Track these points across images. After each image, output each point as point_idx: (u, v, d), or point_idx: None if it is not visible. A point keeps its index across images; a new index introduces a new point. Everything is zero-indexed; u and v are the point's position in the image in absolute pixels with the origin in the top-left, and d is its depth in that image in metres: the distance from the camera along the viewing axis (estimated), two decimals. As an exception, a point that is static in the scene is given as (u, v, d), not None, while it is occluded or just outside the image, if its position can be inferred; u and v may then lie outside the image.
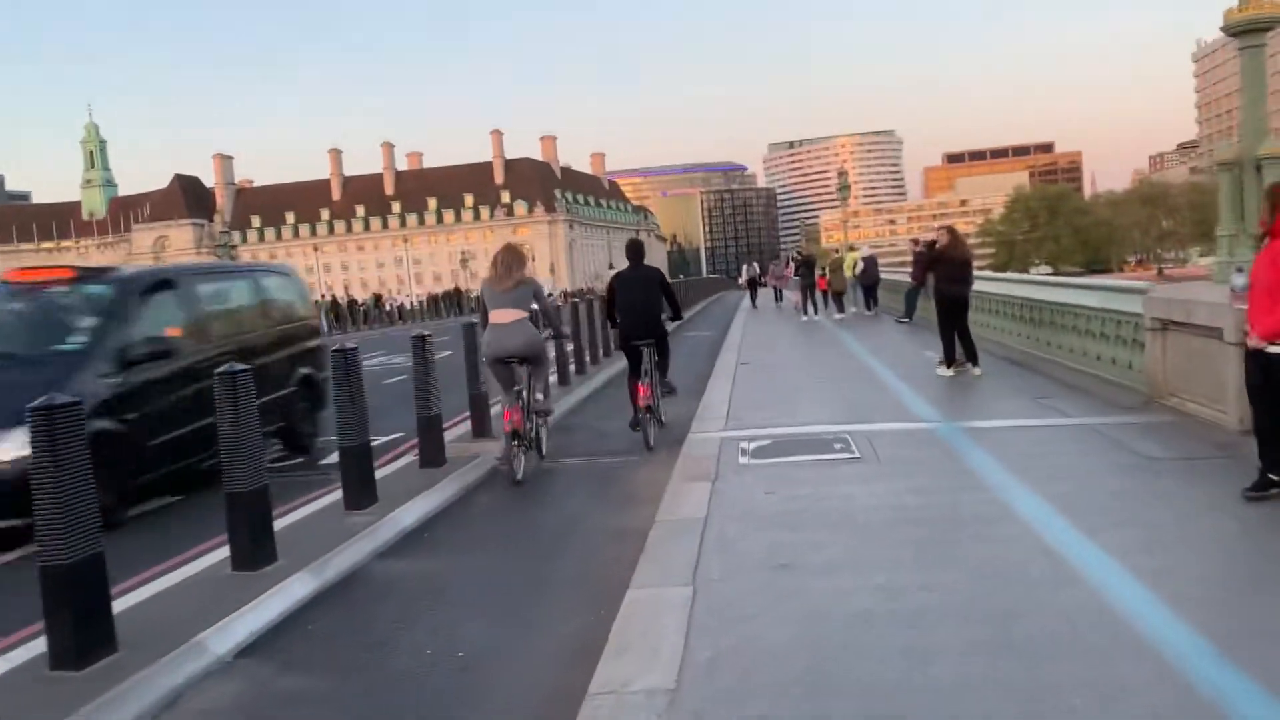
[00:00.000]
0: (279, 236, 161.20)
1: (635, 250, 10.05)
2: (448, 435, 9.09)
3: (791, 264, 34.83)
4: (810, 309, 24.14)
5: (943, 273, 11.69)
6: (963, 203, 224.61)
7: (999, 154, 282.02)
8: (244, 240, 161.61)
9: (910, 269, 20.74)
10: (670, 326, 10.44)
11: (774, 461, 7.23)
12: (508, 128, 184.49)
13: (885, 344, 16.15)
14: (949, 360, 11.67)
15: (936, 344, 14.30)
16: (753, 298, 36.75)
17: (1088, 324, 10.42)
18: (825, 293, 30.47)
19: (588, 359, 15.58)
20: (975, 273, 12.16)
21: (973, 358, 11.63)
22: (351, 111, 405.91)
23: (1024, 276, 13.15)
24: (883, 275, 25.33)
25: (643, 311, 9.39)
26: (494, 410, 9.50)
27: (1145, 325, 8.76)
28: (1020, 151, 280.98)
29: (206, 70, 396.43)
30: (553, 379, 11.91)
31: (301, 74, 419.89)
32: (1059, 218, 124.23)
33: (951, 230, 11.97)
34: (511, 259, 8.59)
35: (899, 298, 24.55)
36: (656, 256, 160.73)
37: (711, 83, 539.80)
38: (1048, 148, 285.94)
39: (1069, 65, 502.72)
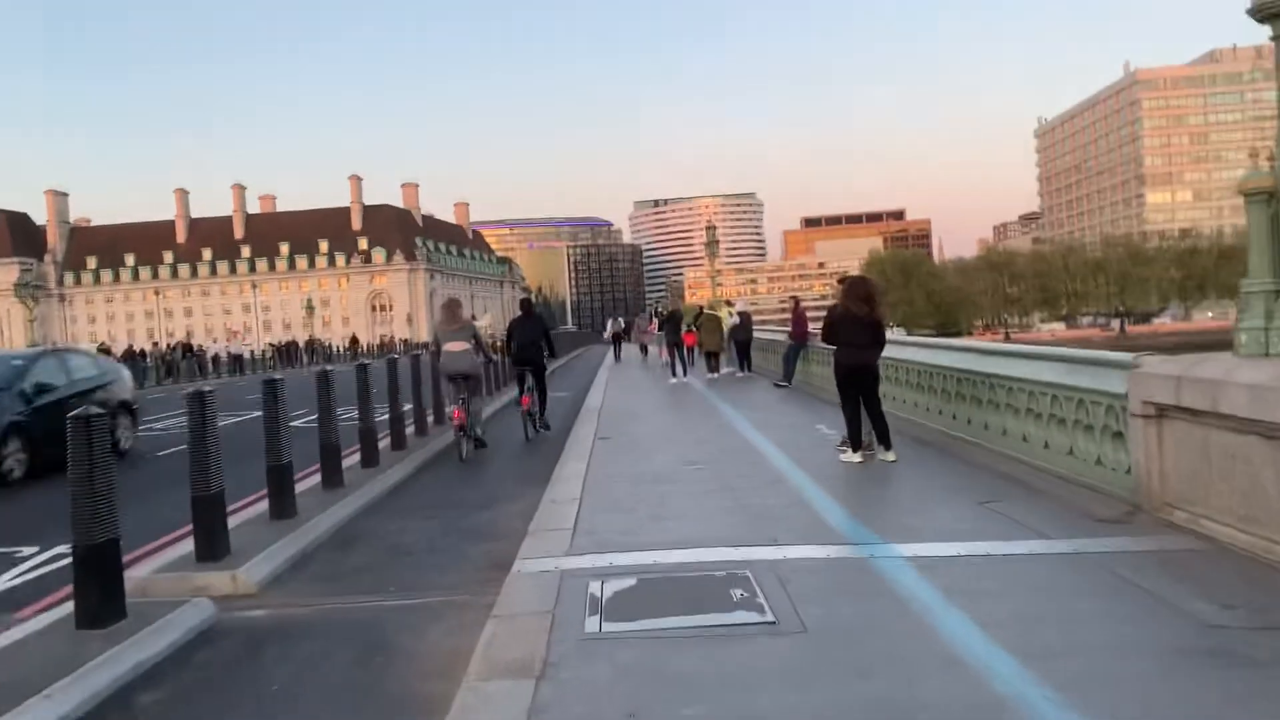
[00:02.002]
0: (117, 279, 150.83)
1: (527, 305, 14.55)
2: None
3: (655, 319, 33.08)
4: (679, 369, 21.78)
5: (845, 336, 9.36)
6: (821, 265, 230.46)
7: (854, 219, 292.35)
8: (78, 282, 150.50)
9: (790, 326, 18.70)
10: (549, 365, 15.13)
11: (643, 630, 4.55)
12: (369, 175, 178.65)
13: (769, 414, 13.80)
14: (854, 443, 9.35)
15: (832, 417, 12.07)
16: (616, 352, 36.38)
17: (1037, 403, 8.23)
18: (693, 350, 28.69)
19: (410, 428, 12.65)
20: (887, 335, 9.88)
21: (885, 439, 9.35)
22: (201, 152, 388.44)
23: (949, 341, 10.95)
24: (757, 334, 23.30)
25: (529, 347, 13.55)
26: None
27: (1131, 410, 6.58)
28: (874, 218, 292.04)
29: (44, 103, 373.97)
30: (356, 458, 10.29)
31: (149, 110, 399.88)
32: (912, 281, 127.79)
33: (859, 284, 9.62)
34: (455, 309, 12.78)
35: (773, 358, 22.55)
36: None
37: (579, 139, 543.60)
38: (899, 215, 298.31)
39: (919, 136, 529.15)
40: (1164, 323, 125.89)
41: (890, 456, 9.20)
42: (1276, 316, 5.52)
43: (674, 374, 21.69)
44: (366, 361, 12.26)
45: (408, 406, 12.90)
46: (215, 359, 43.38)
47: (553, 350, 14.19)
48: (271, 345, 63.83)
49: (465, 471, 11.10)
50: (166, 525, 8.03)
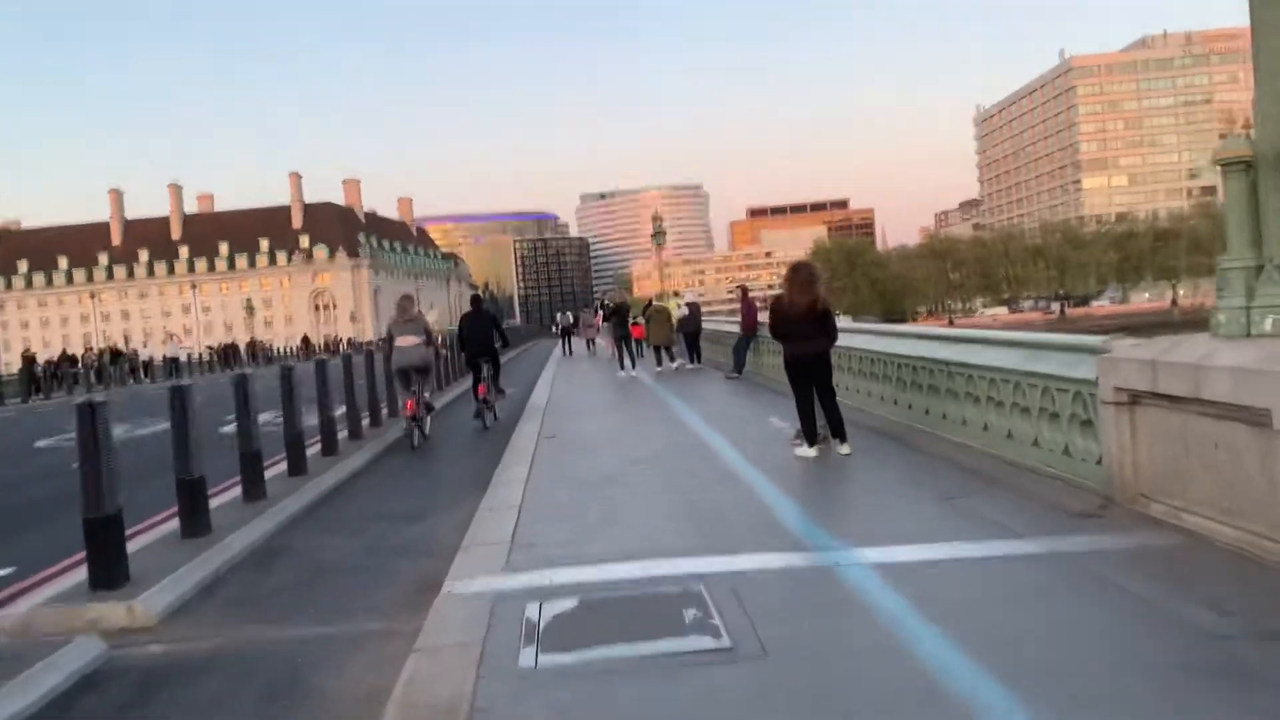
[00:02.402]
0: (49, 283, 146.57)
1: (477, 301, 15.06)
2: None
3: (600, 313, 32.54)
4: (627, 362, 21.27)
5: (792, 326, 8.91)
6: (767, 254, 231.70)
7: (798, 209, 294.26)
8: (8, 287, 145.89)
9: (740, 318, 18.29)
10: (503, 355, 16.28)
11: (584, 661, 4.02)
12: (309, 172, 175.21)
13: (720, 407, 13.35)
14: (809, 436, 8.93)
15: (785, 409, 11.67)
16: (566, 346, 36.38)
17: (998, 391, 7.86)
18: (641, 342, 28.22)
19: (343, 432, 11.98)
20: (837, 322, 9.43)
21: (839, 431, 8.93)
22: (136, 152, 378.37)
23: (903, 328, 10.61)
24: (706, 325, 22.87)
25: (482, 339, 14.21)
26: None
27: (1102, 397, 6.20)
28: (818, 207, 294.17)
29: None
30: (282, 467, 9.63)
31: (82, 109, 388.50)
32: (857, 270, 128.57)
33: (800, 269, 9.14)
34: (407, 304, 13.33)
35: (723, 350, 22.15)
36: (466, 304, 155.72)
37: (523, 133, 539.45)
38: (843, 204, 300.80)
39: (862, 126, 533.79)
40: (1102, 305, 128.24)
41: (845, 449, 8.79)
42: (1257, 295, 5.16)
43: (621, 368, 21.18)
44: (322, 359, 12.34)
45: (339, 410, 12.23)
46: (149, 363, 41.65)
47: (505, 341, 15.34)
48: (210, 348, 62.18)
49: (400, 475, 10.51)
50: (70, 549, 7.34)
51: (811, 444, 8.88)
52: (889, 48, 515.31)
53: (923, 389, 9.49)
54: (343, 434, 11.89)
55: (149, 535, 7.19)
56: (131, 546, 6.64)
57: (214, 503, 8.08)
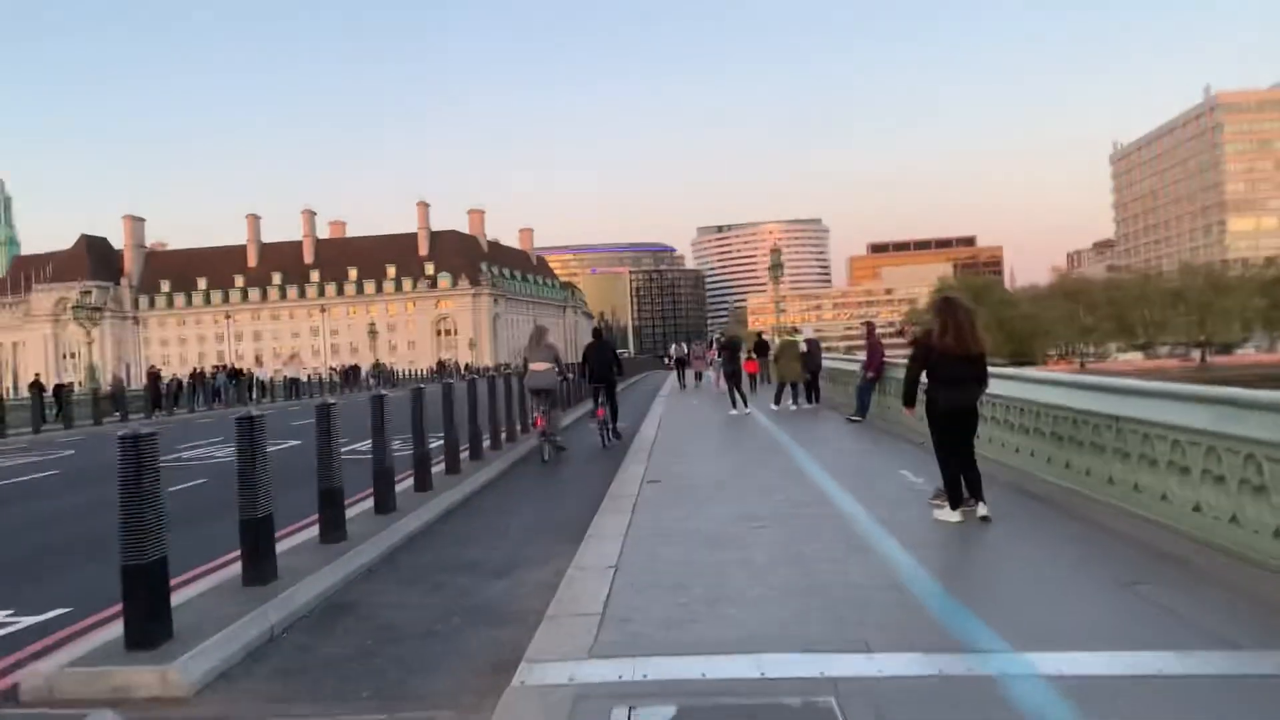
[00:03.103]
0: (189, 302, 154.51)
1: (599, 333, 17.35)
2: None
3: (715, 346, 31.79)
4: (739, 399, 20.26)
5: (942, 370, 7.82)
6: (888, 291, 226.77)
7: (922, 245, 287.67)
8: (151, 305, 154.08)
9: (865, 356, 17.10)
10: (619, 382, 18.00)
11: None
12: (436, 201, 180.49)
13: (843, 456, 12.21)
14: (953, 498, 7.80)
15: (917, 460, 10.54)
16: (680, 378, 35.84)
17: (1184, 455, 6.61)
18: (754, 377, 27.83)
19: (465, 453, 11.55)
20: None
21: (976, 490, 7.78)
22: (275, 178, 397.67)
23: (1057, 375, 9.30)
24: (827, 363, 21.70)
25: (602, 367, 16.25)
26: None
27: (1340, 473, 4.97)
28: (943, 244, 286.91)
29: (125, 132, 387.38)
30: (369, 504, 9.12)
31: (225, 138, 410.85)
32: (984, 309, 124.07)
33: (955, 306, 8.06)
34: (542, 334, 14.98)
35: (841, 389, 20.94)
36: (584, 335, 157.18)
37: (643, 165, 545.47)
38: (970, 241, 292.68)
39: (991, 161, 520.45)
40: (1248, 353, 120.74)
41: (984, 510, 7.63)
42: None
43: (734, 405, 20.18)
44: (450, 381, 13.04)
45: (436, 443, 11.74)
46: (267, 383, 42.50)
47: (621, 370, 17.49)
48: (333, 369, 63.74)
49: (491, 518, 9.77)
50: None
51: (956, 506, 7.77)
52: (1023, 81, 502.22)
53: (1083, 446, 8.23)
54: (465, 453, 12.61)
55: (211, 579, 6.57)
56: (188, 592, 6.07)
57: (289, 543, 7.50)
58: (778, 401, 19.93)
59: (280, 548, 6.78)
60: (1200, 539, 6.35)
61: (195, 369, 47.59)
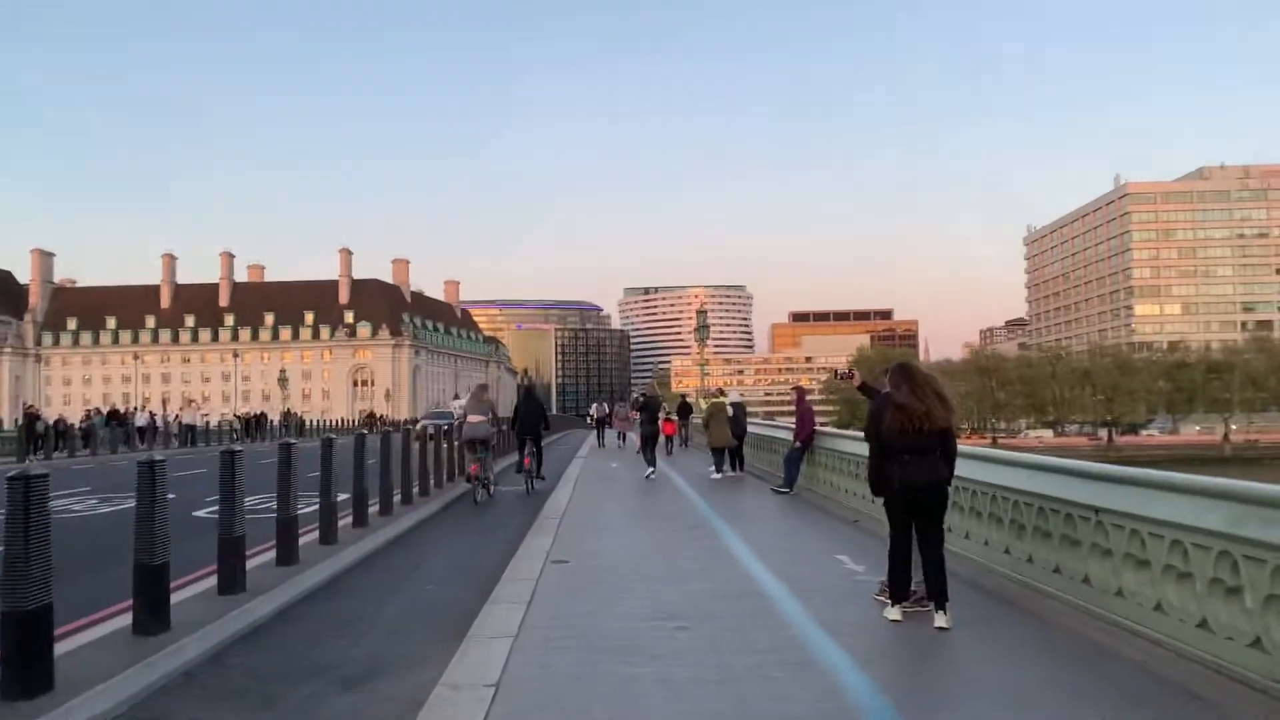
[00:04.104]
0: (96, 341, 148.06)
1: (530, 390, 19.34)
2: None
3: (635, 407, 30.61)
4: (655, 461, 19.05)
5: (903, 441, 6.70)
6: (808, 359, 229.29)
7: (841, 316, 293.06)
8: (56, 343, 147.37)
9: (795, 423, 16.04)
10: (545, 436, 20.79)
11: None
12: (359, 249, 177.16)
13: (773, 535, 10.98)
14: (898, 592, 6.65)
15: (852, 541, 9.43)
16: (599, 437, 36.04)
17: (1183, 559, 5.56)
18: (671, 439, 27.29)
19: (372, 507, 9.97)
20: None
21: (940, 595, 6.55)
22: (192, 220, 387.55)
23: (1024, 456, 8.23)
24: (752, 429, 20.64)
25: (532, 422, 17.96)
26: None
27: None
28: (861, 315, 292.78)
29: (37, 164, 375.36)
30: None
31: (142, 176, 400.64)
32: (944, 377, 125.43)
33: (914, 371, 6.97)
34: (482, 391, 17.87)
35: (766, 455, 19.86)
36: (506, 390, 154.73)
37: (571, 225, 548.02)
38: (887, 314, 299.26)
39: (909, 237, 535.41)
40: (1152, 434, 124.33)
41: (944, 621, 6.44)
42: None
43: (650, 466, 18.95)
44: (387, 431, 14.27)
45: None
46: (158, 429, 39.37)
47: (549, 426, 20.33)
48: (237, 416, 60.70)
49: (358, 603, 8.27)
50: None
51: (896, 600, 6.62)
52: (940, 164, 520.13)
53: (1052, 539, 7.17)
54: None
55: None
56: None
57: (92, 634, 5.97)
58: (718, 470, 18.70)
59: (79, 641, 5.29)
60: (1209, 663, 5.27)
61: (87, 411, 44.54)
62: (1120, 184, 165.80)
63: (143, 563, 6.04)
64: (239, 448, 7.75)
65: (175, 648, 5.84)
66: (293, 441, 9.45)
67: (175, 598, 6.44)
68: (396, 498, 13.65)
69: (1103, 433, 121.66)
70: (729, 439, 18.83)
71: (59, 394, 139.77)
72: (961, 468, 8.66)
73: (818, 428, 15.64)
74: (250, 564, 8.60)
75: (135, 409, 52.61)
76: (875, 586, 7.30)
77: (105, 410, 40.90)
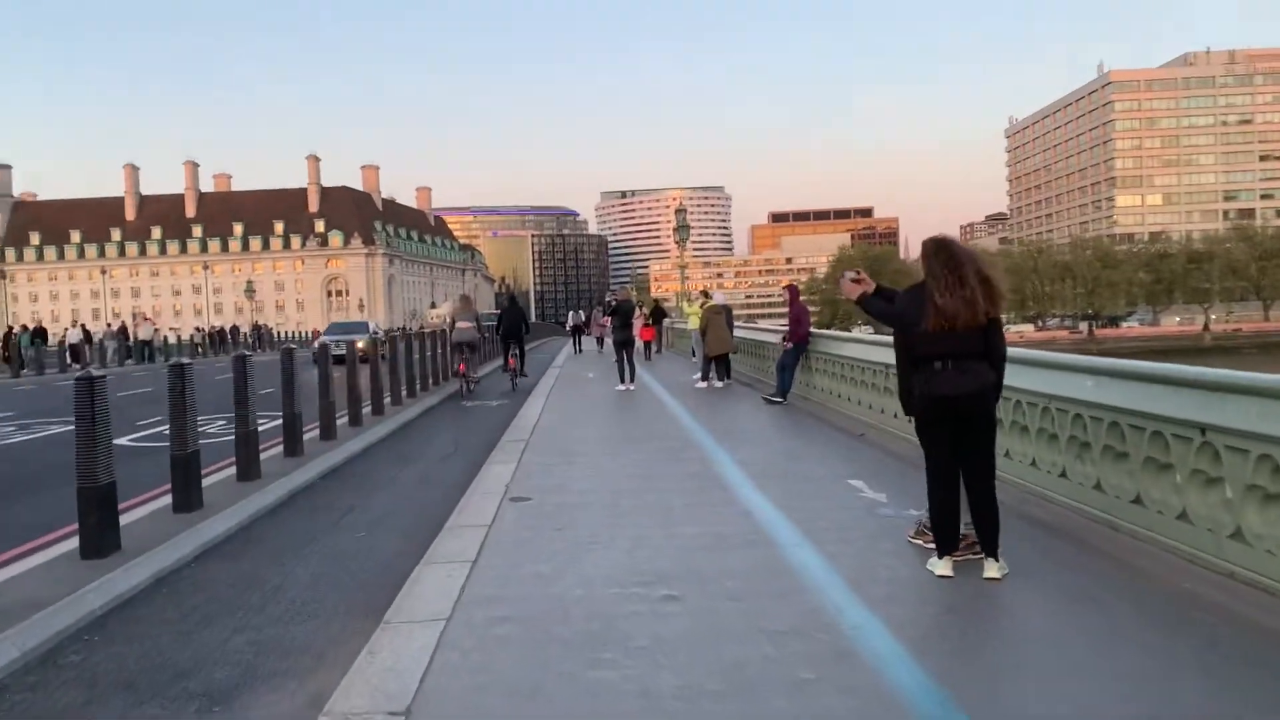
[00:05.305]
0: (61, 256, 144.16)
1: (513, 299, 23.45)
2: None
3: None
4: (627, 373, 17.45)
5: (930, 342, 5.15)
6: (788, 260, 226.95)
7: (821, 215, 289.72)
8: (20, 259, 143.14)
9: (787, 324, 14.49)
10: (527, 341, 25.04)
11: None
12: (328, 156, 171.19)
13: (771, 455, 9.44)
14: (940, 542, 5.18)
15: (861, 459, 7.99)
16: (576, 344, 35.71)
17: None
18: (648, 345, 25.87)
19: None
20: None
21: (991, 541, 5.05)
22: (155, 128, 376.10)
23: (1090, 360, 6.60)
24: (739, 333, 19.10)
25: (514, 326, 20.68)
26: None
27: None
28: (841, 214, 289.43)
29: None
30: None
31: (104, 84, 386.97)
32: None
33: (955, 250, 5.36)
34: (467, 301, 21.14)
35: (756, 362, 18.40)
36: (484, 300, 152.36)
37: (546, 128, 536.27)
38: (867, 212, 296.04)
39: (889, 133, 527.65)
40: (1132, 326, 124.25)
41: (994, 571, 5.00)
42: None
43: (621, 380, 17.39)
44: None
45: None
46: (95, 344, 36.65)
47: (529, 329, 24.29)
48: (198, 329, 58.65)
49: (255, 566, 6.76)
50: None
51: (943, 552, 5.15)
52: (919, 56, 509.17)
53: (1130, 461, 5.70)
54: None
55: None
56: None
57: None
58: (705, 378, 17.18)
59: None
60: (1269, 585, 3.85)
61: (23, 325, 42.04)
62: (1103, 72, 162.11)
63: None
64: (187, 360, 6.64)
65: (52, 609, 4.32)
66: (248, 354, 8.77)
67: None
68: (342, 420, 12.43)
69: (1083, 326, 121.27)
70: (731, 344, 17.29)
71: (26, 311, 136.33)
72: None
73: (814, 330, 14.13)
74: (149, 508, 7.17)
75: (72, 325, 49.86)
76: (909, 525, 5.85)
77: (31, 327, 38.13)
